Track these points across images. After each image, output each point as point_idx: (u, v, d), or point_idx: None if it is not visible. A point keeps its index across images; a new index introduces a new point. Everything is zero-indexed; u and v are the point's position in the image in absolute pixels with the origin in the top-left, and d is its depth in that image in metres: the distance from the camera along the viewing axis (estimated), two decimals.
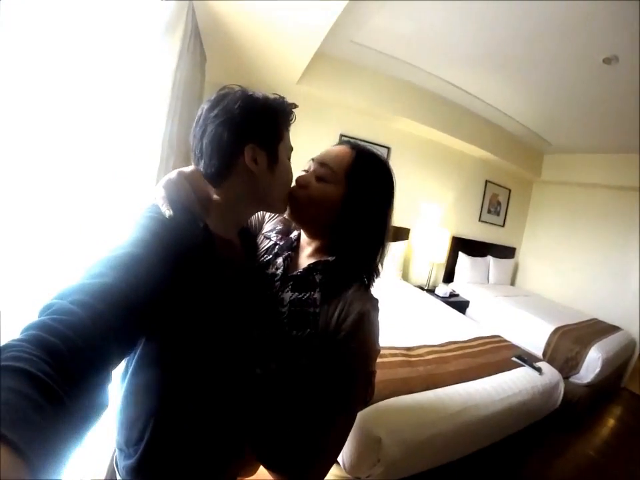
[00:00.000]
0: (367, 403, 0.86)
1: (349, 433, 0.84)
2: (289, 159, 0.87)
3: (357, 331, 0.78)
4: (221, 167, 0.76)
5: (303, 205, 0.86)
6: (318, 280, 0.85)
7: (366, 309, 0.80)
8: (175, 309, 0.64)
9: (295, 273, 0.89)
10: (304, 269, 0.88)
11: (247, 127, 0.75)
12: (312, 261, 0.89)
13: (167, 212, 0.64)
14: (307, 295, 0.85)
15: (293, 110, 0.84)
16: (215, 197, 0.70)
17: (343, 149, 0.90)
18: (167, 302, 0.61)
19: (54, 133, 1.01)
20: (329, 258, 0.87)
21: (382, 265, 0.93)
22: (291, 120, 0.84)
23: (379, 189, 0.89)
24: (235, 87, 0.79)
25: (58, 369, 0.38)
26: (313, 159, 0.92)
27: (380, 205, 0.89)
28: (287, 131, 0.85)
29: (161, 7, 1.48)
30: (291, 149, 0.87)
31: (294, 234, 1.02)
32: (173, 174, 0.70)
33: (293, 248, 0.97)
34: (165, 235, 0.62)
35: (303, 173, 0.91)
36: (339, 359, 0.78)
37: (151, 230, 0.62)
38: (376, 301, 0.86)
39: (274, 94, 0.82)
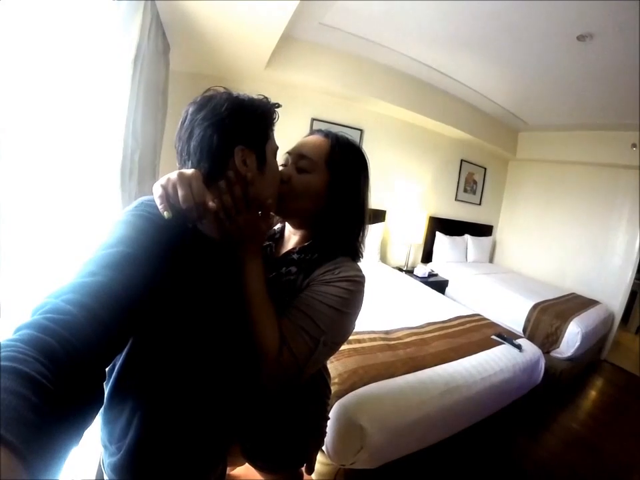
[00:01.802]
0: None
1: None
2: (275, 157, 0.89)
3: (342, 281, 0.82)
4: (210, 170, 0.75)
5: (288, 198, 0.89)
6: (296, 257, 0.90)
7: (354, 275, 0.84)
8: (164, 306, 0.66)
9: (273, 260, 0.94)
10: (282, 255, 0.94)
11: (236, 129, 0.75)
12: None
13: (166, 213, 0.65)
14: (284, 269, 0.90)
15: (277, 109, 0.85)
16: (211, 204, 0.70)
17: (318, 138, 0.94)
18: (157, 299, 0.63)
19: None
20: (305, 243, 0.92)
21: (364, 245, 0.98)
22: (275, 120, 0.85)
23: (359, 171, 0.94)
24: (219, 89, 0.80)
25: (53, 369, 0.39)
26: (289, 153, 0.95)
27: (362, 187, 0.94)
28: (272, 130, 0.86)
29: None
30: (277, 148, 0.88)
31: (277, 225, 1.08)
32: (174, 174, 0.70)
33: (276, 239, 1.04)
34: (154, 233, 0.63)
35: (282, 168, 0.93)
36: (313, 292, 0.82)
37: (141, 228, 0.63)
38: (363, 276, 0.88)
39: (258, 95, 0.83)
